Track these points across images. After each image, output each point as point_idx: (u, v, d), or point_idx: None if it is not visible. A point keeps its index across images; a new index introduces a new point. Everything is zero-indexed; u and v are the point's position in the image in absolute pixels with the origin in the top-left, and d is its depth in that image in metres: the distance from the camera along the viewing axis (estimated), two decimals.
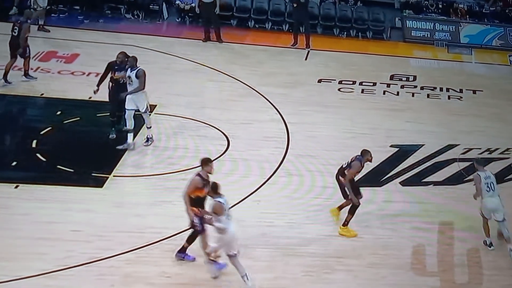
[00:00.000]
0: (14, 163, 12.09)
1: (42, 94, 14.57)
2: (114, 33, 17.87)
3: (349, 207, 11.03)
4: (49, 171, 11.61)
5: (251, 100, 15.04)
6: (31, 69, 15.11)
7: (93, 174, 11.79)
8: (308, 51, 17.77)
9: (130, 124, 12.58)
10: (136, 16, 19.01)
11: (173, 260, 10.12)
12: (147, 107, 12.71)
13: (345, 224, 11.03)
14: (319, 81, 16.33)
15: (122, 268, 9.94)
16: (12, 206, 11.07)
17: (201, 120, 13.90)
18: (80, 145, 12.65)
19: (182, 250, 10.14)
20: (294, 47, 17.93)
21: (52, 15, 18.25)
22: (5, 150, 12.71)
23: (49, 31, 17.46)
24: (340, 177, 11.04)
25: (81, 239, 10.44)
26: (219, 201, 9.52)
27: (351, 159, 10.98)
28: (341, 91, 15.95)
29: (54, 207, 11.08)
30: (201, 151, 12.92)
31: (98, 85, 12.96)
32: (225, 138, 13.39)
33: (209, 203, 9.75)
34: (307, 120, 14.32)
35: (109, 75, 12.86)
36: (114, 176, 11.96)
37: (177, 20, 19.04)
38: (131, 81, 12.56)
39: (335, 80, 16.36)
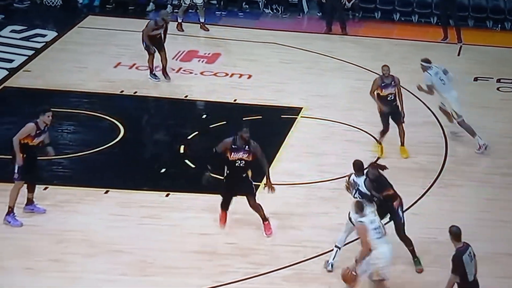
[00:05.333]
0: (163, 170, 11.89)
1: (186, 96, 14.32)
2: (253, 29, 17.42)
3: None
4: (198, 178, 11.27)
5: None
6: (172, 70, 14.93)
7: None
8: (461, 46, 16.59)
9: None
10: (275, 11, 18.48)
11: (332, 276, 9.52)
12: None
13: None
14: (475, 79, 15.16)
15: (280, 285, 9.50)
16: (162, 216, 10.84)
17: (350, 123, 13.22)
18: None
19: (29, 203, 10.41)
20: (445, 41, 16.82)
21: (190, 11, 18.02)
22: (154, 156, 12.54)
23: (208, 30, 17.02)
24: None
25: (235, 252, 10.06)
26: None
27: None
28: (500, 90, 14.73)
29: (205, 217, 10.75)
30: (352, 158, 12.20)
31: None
32: (377, 144, 12.62)
33: None
34: None
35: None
36: (265, 183, 11.49)
37: (318, 14, 18.32)
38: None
39: (492, 78, 15.13)
